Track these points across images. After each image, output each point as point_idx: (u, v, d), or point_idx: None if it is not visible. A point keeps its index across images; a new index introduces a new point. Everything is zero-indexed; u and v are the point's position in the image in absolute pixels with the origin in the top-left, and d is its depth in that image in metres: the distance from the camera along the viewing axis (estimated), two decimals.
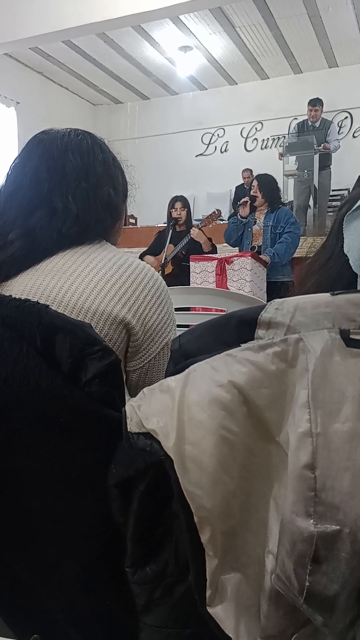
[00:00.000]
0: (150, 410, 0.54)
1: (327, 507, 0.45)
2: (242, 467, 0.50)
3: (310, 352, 0.49)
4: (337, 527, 0.44)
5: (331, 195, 6.79)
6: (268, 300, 0.55)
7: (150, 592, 0.59)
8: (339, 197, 6.74)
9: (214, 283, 3.73)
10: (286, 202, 7.04)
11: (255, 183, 4.13)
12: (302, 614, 0.47)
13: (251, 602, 0.50)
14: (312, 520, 0.45)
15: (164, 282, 0.97)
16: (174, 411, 0.51)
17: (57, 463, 0.67)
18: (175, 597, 0.58)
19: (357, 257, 0.65)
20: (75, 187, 0.94)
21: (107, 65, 8.11)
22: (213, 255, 3.98)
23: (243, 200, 4.15)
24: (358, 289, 0.65)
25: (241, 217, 4.12)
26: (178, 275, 4.02)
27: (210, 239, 4.17)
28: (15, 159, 0.99)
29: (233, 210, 7.68)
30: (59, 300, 0.88)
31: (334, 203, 6.72)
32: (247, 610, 0.50)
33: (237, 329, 0.54)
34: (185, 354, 0.57)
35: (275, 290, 3.85)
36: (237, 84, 8.69)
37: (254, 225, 4.09)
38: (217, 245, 4.34)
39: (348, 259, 0.67)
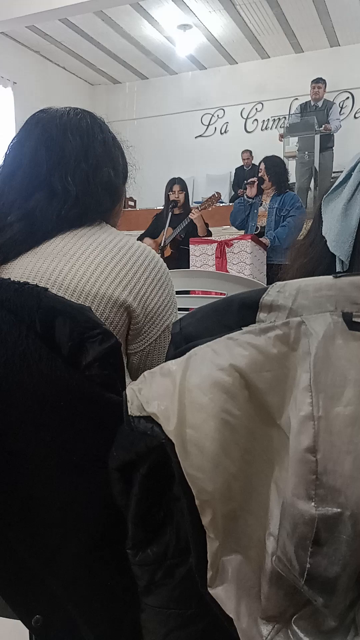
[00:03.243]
0: (151, 393, 0.54)
1: (328, 490, 0.45)
2: (244, 451, 0.50)
3: (312, 335, 0.48)
4: (339, 510, 0.44)
5: (333, 177, 6.73)
6: (268, 283, 0.55)
7: (151, 574, 0.59)
8: None
9: (214, 266, 3.72)
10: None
11: (262, 166, 4.09)
12: (302, 595, 0.47)
13: (252, 584, 0.51)
14: (313, 503, 0.45)
15: (164, 264, 0.97)
16: (175, 395, 0.51)
17: (58, 446, 0.67)
18: (176, 578, 0.58)
19: (333, 237, 0.67)
20: (75, 168, 0.93)
21: (106, 45, 7.99)
22: (213, 238, 3.97)
23: (251, 180, 4.12)
24: (336, 269, 0.66)
25: (248, 197, 4.09)
26: (177, 259, 4.00)
27: (207, 224, 4.16)
28: (14, 139, 0.97)
29: (233, 193, 7.64)
30: (59, 284, 0.88)
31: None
32: (247, 591, 0.50)
33: (238, 312, 0.54)
34: (186, 337, 0.57)
35: (276, 273, 3.84)
36: (237, 63, 8.57)
37: (259, 207, 4.07)
38: (213, 229, 4.33)
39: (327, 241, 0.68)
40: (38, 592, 0.67)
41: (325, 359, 0.47)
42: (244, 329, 0.52)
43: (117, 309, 0.89)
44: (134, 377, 0.97)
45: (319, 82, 6.76)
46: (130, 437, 0.57)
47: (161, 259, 0.96)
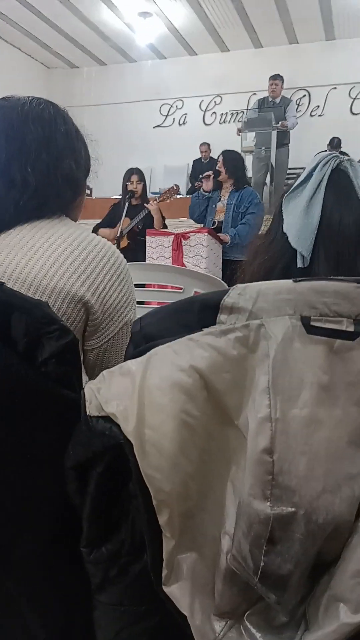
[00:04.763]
0: (110, 393, 0.54)
1: (283, 490, 0.46)
2: (202, 451, 0.50)
3: (271, 338, 0.49)
4: (293, 509, 0.46)
5: (288, 174, 6.84)
6: (223, 279, 0.56)
7: (105, 571, 0.59)
8: (295, 176, 6.79)
9: (170, 258, 3.72)
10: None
11: (220, 158, 4.10)
12: (255, 591, 0.49)
13: (206, 581, 0.51)
14: (268, 503, 0.46)
15: (124, 260, 0.96)
16: (135, 395, 0.51)
17: (13, 442, 0.66)
18: (130, 575, 0.59)
19: (295, 234, 0.70)
20: (35, 158, 0.90)
21: (63, 27, 7.80)
22: (169, 230, 3.96)
23: (206, 174, 4.13)
24: (297, 265, 0.68)
25: (204, 191, 4.10)
26: (134, 250, 3.98)
27: (163, 218, 4.15)
28: None
29: (190, 185, 7.64)
30: (16, 277, 0.86)
31: (290, 181, 6.76)
32: (202, 588, 0.51)
33: (199, 313, 0.54)
34: (146, 336, 0.57)
35: (232, 268, 3.86)
36: (197, 54, 8.55)
37: (218, 202, 4.07)
38: (170, 221, 4.33)
39: (288, 238, 0.69)
40: None
41: (284, 361, 0.48)
42: (205, 330, 0.52)
43: (74, 304, 0.88)
44: (91, 374, 0.96)
45: (276, 78, 6.84)
46: (87, 437, 0.56)
47: (121, 255, 0.95)
